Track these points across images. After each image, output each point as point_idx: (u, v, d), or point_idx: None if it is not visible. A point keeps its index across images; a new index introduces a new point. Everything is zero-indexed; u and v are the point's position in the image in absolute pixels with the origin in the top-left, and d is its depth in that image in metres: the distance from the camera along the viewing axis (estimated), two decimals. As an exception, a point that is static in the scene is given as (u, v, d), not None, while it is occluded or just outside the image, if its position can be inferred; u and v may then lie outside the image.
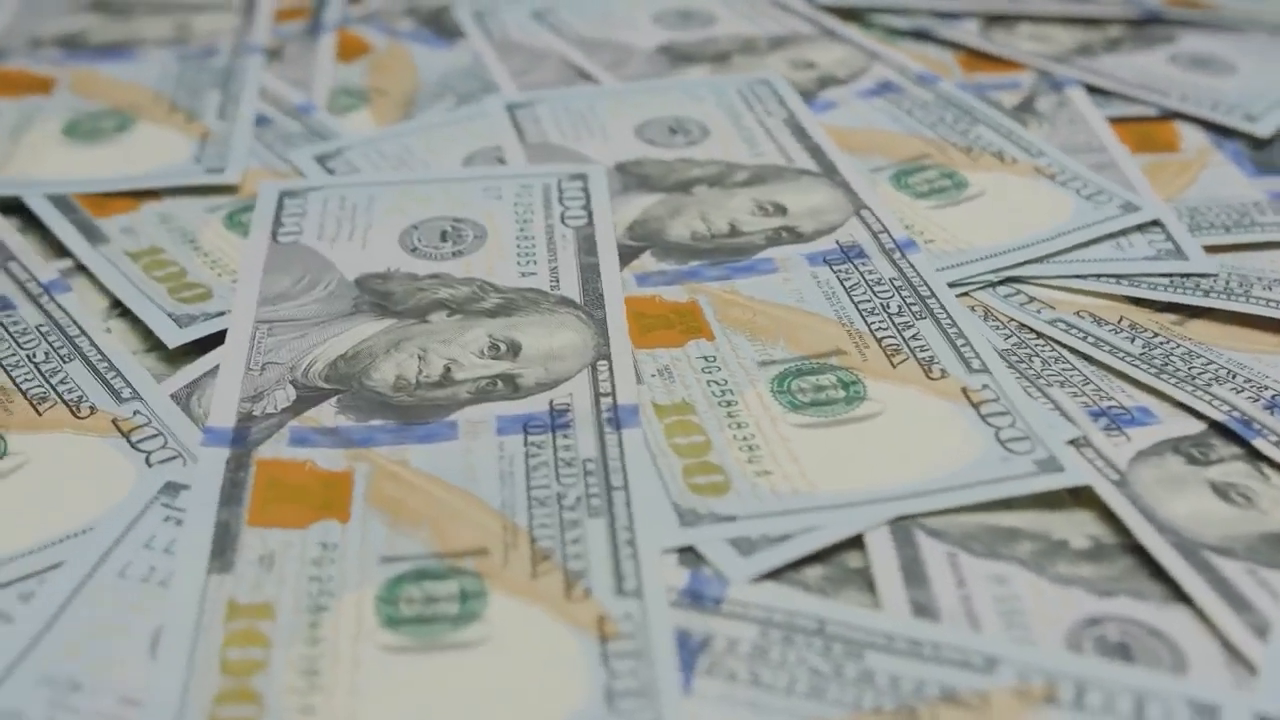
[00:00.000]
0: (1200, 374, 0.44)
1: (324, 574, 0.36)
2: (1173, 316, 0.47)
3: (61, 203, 0.50)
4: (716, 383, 0.42)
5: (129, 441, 0.40)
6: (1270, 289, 0.48)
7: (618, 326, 0.44)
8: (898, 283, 0.46)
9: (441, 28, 0.64)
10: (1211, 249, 0.49)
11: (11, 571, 0.36)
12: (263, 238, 0.48)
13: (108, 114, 0.56)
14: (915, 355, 0.43)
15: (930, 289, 0.46)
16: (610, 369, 0.42)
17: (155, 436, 0.40)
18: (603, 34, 0.63)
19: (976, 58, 0.63)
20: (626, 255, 0.48)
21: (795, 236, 0.49)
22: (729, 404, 0.42)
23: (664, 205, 0.50)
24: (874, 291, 0.46)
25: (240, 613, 0.35)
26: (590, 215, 0.49)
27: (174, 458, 0.40)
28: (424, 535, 0.37)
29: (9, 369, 0.43)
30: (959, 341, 0.44)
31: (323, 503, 0.38)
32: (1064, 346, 0.45)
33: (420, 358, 0.43)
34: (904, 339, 0.44)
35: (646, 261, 0.48)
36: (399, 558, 0.37)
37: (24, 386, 0.42)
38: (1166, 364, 0.44)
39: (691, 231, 0.49)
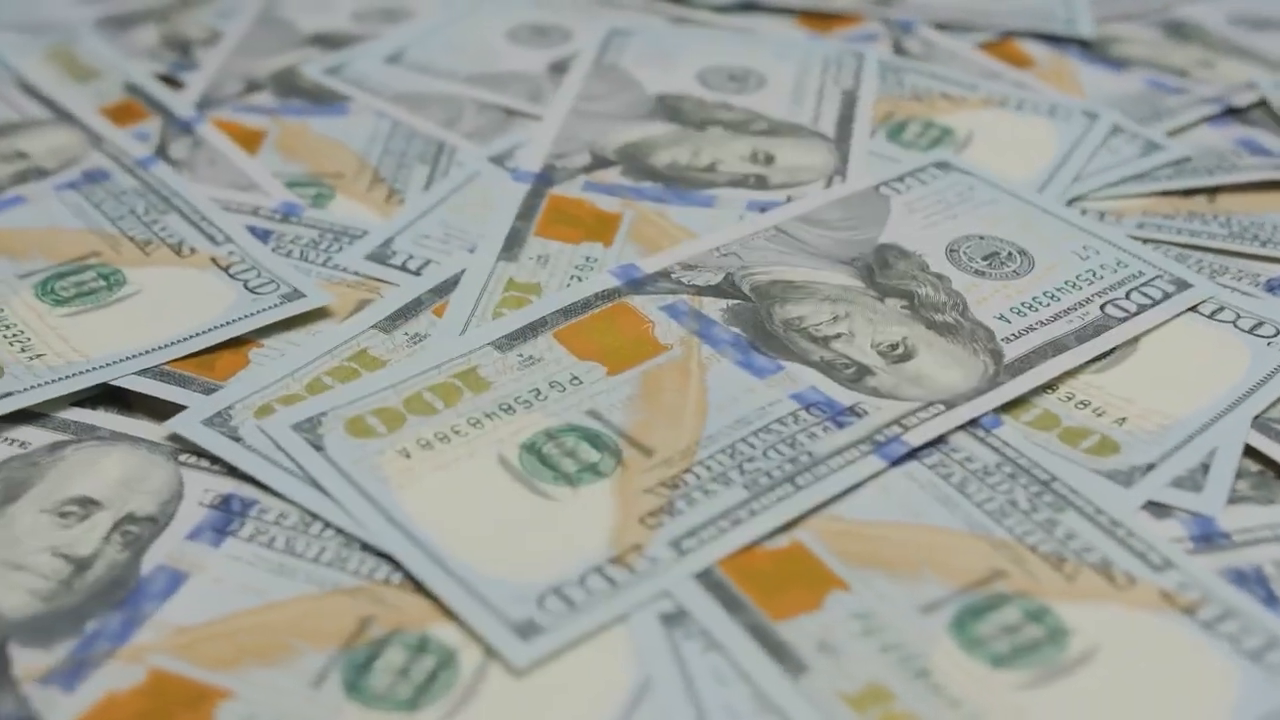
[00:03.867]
0: (1293, 238, 0.50)
1: (884, 642, 0.35)
2: (1201, 199, 0.54)
3: (163, 375, 0.43)
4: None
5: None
6: (1241, 156, 0.55)
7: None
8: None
9: (308, 94, 0.58)
10: (1166, 137, 0.57)
11: None
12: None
13: (75, 269, 0.47)
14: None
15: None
16: None
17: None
18: (483, 66, 0.60)
19: (816, 18, 0.66)
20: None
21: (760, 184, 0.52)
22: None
23: (669, 135, 0.55)
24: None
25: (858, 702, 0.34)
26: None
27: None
28: (931, 576, 0.37)
29: (288, 542, 0.37)
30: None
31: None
32: (1176, 244, 0.50)
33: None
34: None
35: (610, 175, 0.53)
36: (934, 604, 0.36)
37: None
38: (1257, 236, 0.51)
39: (672, 161, 0.53)
